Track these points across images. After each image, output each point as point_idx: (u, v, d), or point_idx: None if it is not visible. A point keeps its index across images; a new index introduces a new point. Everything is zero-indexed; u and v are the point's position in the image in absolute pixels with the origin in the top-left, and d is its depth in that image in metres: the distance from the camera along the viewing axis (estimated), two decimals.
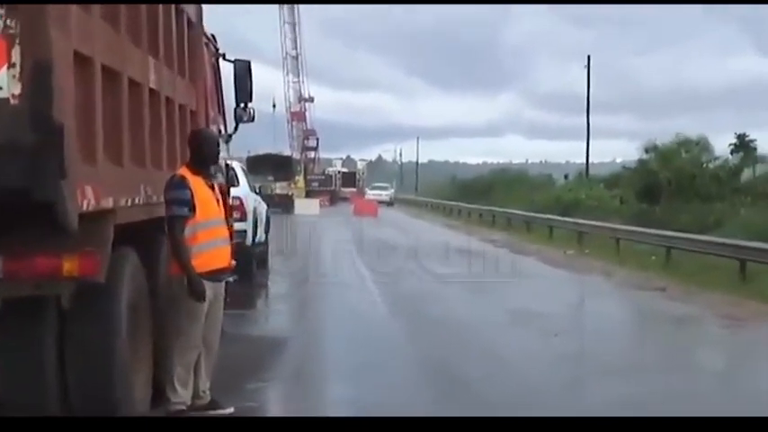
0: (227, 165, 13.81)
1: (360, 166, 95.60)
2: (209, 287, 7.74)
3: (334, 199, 72.81)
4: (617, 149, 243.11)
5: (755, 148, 51.31)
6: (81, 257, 6.09)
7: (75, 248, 6.06)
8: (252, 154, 61.29)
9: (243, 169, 20.31)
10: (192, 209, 7.60)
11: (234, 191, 17.34)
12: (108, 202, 6.38)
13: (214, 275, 7.84)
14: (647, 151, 40.48)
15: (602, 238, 27.85)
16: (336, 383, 9.75)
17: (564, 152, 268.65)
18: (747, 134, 54.16)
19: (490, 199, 54.68)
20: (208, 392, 8.03)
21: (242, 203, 18.03)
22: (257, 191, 21.60)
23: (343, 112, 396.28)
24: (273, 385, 9.62)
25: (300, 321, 14.18)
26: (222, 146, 13.49)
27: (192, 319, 7.71)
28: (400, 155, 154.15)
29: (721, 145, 45.25)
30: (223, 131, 13.41)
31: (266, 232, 21.31)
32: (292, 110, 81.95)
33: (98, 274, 6.20)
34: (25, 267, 6.01)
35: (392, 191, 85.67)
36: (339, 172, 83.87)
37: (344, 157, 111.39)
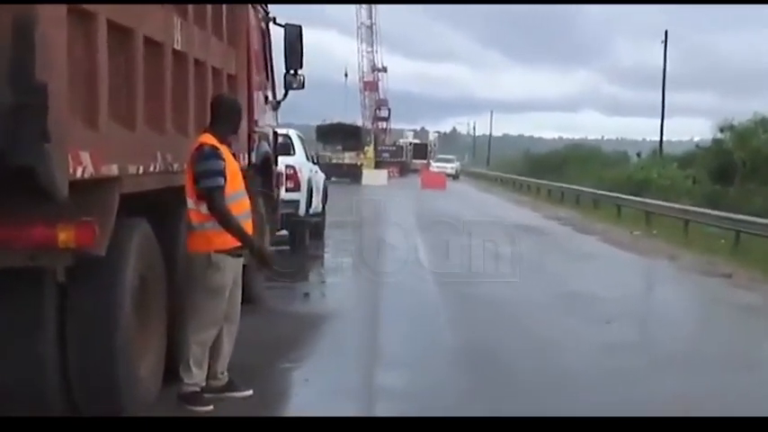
0: (275, 133, 13.42)
1: (431, 137, 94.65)
2: (234, 263, 7.36)
3: (405, 170, 72.38)
4: (696, 128, 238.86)
5: None
6: (78, 228, 5.67)
7: (71, 218, 5.67)
8: (326, 122, 61.46)
9: (300, 137, 19.80)
10: (225, 181, 7.19)
11: (288, 159, 17.02)
12: (111, 170, 5.97)
13: (239, 250, 7.42)
14: (721, 130, 39.28)
15: (671, 219, 27.08)
16: (371, 366, 9.35)
17: (641, 129, 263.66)
18: None
19: (562, 175, 53.77)
20: (226, 374, 7.63)
21: (295, 173, 17.63)
22: (315, 160, 21.17)
23: (418, 82, 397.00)
24: (302, 366, 9.20)
25: (347, 298, 13.70)
26: (271, 113, 13.14)
27: (213, 297, 7.30)
28: (474, 128, 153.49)
29: None
30: (271, 98, 13.01)
31: (323, 203, 20.88)
32: (365, 79, 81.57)
33: (96, 246, 5.79)
34: (18, 236, 5.63)
35: (457, 164, 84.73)
36: (410, 143, 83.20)
37: (418, 128, 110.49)
